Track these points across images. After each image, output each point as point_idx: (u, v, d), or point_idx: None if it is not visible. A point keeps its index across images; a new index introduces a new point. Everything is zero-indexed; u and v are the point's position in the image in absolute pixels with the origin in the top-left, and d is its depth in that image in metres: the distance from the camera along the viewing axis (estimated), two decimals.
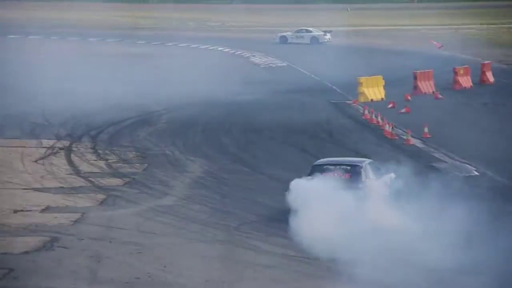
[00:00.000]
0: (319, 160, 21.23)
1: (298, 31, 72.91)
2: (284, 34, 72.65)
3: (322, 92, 41.97)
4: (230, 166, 25.50)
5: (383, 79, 40.07)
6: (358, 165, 20.16)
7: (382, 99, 39.00)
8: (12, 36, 71.74)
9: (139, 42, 70.58)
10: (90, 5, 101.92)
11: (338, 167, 19.96)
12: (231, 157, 26.80)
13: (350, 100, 39.09)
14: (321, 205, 17.69)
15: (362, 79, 39.17)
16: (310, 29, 73.49)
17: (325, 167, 20.10)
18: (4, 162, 24.78)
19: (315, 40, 71.24)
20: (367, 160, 20.97)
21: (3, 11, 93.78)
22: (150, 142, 28.92)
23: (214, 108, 36.07)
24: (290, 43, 71.07)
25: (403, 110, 35.46)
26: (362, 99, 38.39)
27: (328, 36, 71.72)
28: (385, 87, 39.78)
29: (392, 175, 20.63)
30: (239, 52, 63.30)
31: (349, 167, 19.99)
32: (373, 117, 33.13)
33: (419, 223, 17.56)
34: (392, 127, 30.41)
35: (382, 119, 31.98)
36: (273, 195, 21.12)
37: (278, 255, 16.92)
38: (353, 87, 39.67)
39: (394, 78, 43.60)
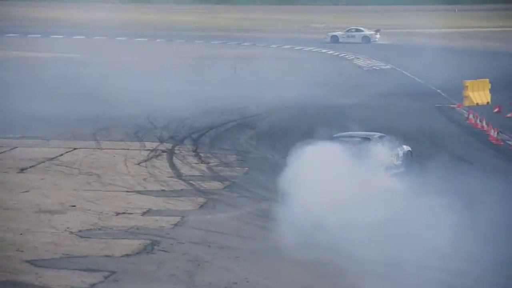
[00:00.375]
0: (338, 134, 23.64)
1: (348, 30, 73.14)
2: (335, 33, 72.92)
3: (426, 96, 41.37)
4: None
5: (490, 82, 39.18)
6: (367, 138, 23.06)
7: (487, 103, 38.12)
8: (77, 37, 73.14)
9: (245, 43, 71.18)
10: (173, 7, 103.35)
11: (351, 138, 23.05)
12: None
13: (454, 104, 38.37)
14: (326, 167, 19.07)
15: (468, 83, 38.37)
16: (361, 28, 73.53)
17: (341, 138, 22.92)
18: (108, 164, 25.29)
19: (366, 39, 71.54)
20: (379, 134, 23.61)
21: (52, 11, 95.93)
22: (250, 145, 29.05)
23: (315, 111, 35.95)
24: (341, 42, 71.06)
25: (509, 115, 34.57)
26: (467, 103, 37.62)
27: (378, 35, 72.01)
28: (491, 90, 38.86)
29: (405, 147, 23.75)
30: (343, 54, 63.06)
31: (359, 139, 23.00)
32: (478, 121, 32.43)
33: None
34: (498, 132, 29.67)
35: (487, 124, 31.25)
36: None
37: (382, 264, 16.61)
38: (458, 91, 38.94)
39: (501, 81, 42.53)
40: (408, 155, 23.71)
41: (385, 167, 21.75)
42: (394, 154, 22.94)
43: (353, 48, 66.75)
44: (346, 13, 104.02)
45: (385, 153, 22.21)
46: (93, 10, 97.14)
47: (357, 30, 73.08)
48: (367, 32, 72.57)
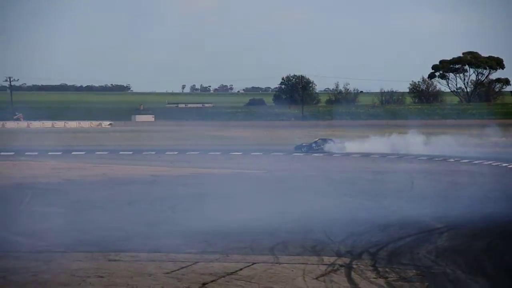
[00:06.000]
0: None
1: None
2: None
3: None
4: None
5: None
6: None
7: None
8: (213, 153, 74.49)
9: (421, 157, 70.75)
10: None
11: None
12: None
13: None
14: None
15: None
16: None
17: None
18: (287, 279, 25.37)
19: None
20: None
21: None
22: (430, 260, 28.37)
23: (501, 227, 34.90)
24: None
25: None
26: None
27: None
28: None
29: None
30: None
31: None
32: None
33: None
34: None
35: None
36: None
37: None
38: None
39: None
40: None
41: None
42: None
43: None
44: None
45: None
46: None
47: None
48: None
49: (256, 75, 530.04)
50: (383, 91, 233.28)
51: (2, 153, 78.84)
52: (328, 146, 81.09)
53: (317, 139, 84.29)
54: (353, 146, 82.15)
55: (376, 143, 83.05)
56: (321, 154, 78.52)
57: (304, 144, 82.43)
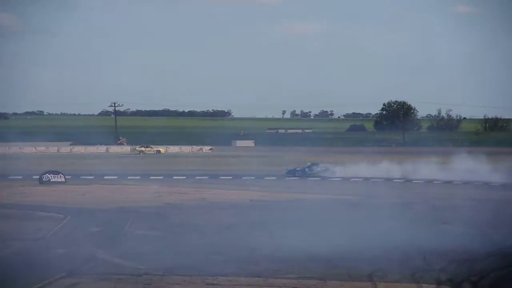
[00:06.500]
0: None
1: None
2: None
3: None
4: None
5: None
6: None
7: None
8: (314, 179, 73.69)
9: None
10: None
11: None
12: None
13: None
14: None
15: None
16: None
17: None
18: None
19: None
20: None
21: None
22: None
23: None
24: None
25: None
26: None
27: None
28: None
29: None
30: None
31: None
32: None
33: None
34: None
35: None
36: None
37: None
38: None
39: None
40: None
41: None
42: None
43: None
44: None
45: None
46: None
47: None
48: None
49: (356, 101, 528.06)
50: (486, 117, 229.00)
51: (106, 177, 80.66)
52: (317, 170, 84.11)
53: (308, 164, 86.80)
54: (341, 170, 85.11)
55: (362, 168, 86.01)
56: (318, 178, 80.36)
57: (298, 169, 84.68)
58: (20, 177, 79.98)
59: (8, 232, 40.84)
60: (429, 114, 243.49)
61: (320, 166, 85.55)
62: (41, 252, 34.56)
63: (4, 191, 65.18)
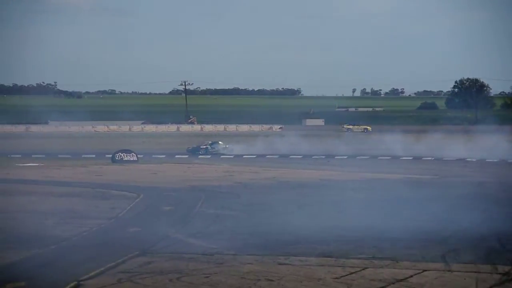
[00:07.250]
0: None
1: None
2: None
3: None
4: None
5: None
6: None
7: None
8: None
9: None
10: None
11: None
12: None
13: None
14: None
15: None
16: None
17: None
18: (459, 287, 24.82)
19: None
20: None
21: None
22: None
23: None
24: None
25: None
26: None
27: None
28: None
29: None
30: None
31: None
32: None
33: None
34: None
35: None
36: None
37: None
38: None
39: None
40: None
41: None
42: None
43: None
44: None
45: None
46: None
47: None
48: None
49: (428, 78, 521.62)
50: None
51: (177, 156, 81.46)
52: (217, 148, 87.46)
53: (209, 142, 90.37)
54: (239, 148, 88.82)
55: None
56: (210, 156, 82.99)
57: (202, 147, 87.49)
58: (94, 155, 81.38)
59: (84, 210, 41.60)
60: (503, 92, 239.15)
61: (219, 144, 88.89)
62: (115, 231, 35.10)
63: (79, 170, 66.41)
